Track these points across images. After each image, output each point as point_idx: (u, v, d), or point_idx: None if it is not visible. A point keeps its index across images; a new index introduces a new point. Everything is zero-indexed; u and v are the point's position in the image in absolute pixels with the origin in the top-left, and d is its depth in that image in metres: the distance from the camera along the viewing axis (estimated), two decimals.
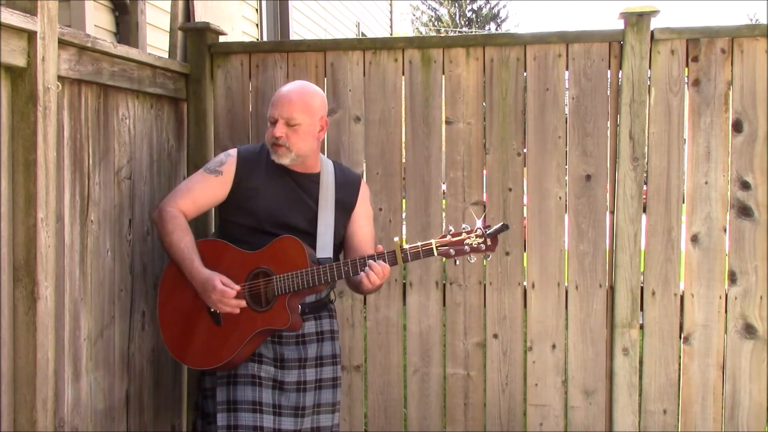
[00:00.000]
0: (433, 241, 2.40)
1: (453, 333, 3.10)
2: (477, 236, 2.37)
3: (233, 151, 2.66)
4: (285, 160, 2.56)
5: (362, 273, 2.43)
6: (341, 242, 2.69)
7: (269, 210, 2.57)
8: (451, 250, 2.38)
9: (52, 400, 2.17)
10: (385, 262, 2.41)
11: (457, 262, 2.43)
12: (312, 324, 2.61)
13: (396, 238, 2.46)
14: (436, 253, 2.38)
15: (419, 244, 2.41)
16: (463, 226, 2.42)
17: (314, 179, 2.63)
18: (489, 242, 2.37)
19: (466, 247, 2.37)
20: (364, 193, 2.73)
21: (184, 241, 2.51)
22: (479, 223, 2.39)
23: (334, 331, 2.68)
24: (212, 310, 2.50)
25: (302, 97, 2.57)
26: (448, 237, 2.39)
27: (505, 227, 2.38)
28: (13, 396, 2.10)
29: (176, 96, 3.04)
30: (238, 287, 2.44)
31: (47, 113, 2.10)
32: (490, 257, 2.43)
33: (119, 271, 2.65)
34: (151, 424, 2.88)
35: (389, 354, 3.14)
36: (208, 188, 2.60)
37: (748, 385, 2.92)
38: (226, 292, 2.41)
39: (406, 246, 2.42)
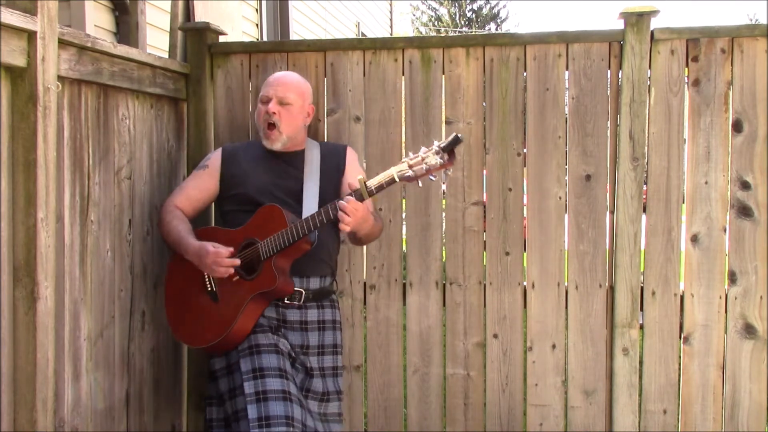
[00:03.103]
0: (392, 169, 2.44)
1: (453, 333, 3.10)
2: (434, 153, 2.38)
3: (219, 148, 2.87)
4: (277, 145, 2.73)
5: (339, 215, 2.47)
6: None
7: (259, 189, 2.70)
8: (410, 173, 2.40)
9: (52, 400, 2.17)
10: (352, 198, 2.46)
11: (420, 184, 2.44)
12: (315, 312, 2.71)
13: (360, 176, 2.53)
14: (398, 180, 2.42)
15: (381, 176, 2.46)
16: (422, 148, 2.42)
17: (299, 155, 2.78)
18: (446, 157, 2.39)
19: (425, 166, 2.39)
20: (352, 156, 2.86)
21: (180, 227, 2.68)
22: (435, 142, 2.42)
23: (336, 321, 2.77)
24: (209, 289, 2.63)
25: (295, 80, 2.80)
26: (406, 161, 2.42)
27: (457, 139, 2.38)
28: (13, 396, 2.10)
29: (176, 96, 3.04)
30: (230, 249, 2.54)
31: (47, 113, 2.10)
32: (450, 173, 2.47)
33: (119, 271, 2.65)
34: (151, 424, 2.88)
35: (389, 354, 3.14)
36: (198, 182, 2.80)
37: (748, 385, 2.92)
38: (219, 253, 2.53)
39: (369, 182, 2.47)
